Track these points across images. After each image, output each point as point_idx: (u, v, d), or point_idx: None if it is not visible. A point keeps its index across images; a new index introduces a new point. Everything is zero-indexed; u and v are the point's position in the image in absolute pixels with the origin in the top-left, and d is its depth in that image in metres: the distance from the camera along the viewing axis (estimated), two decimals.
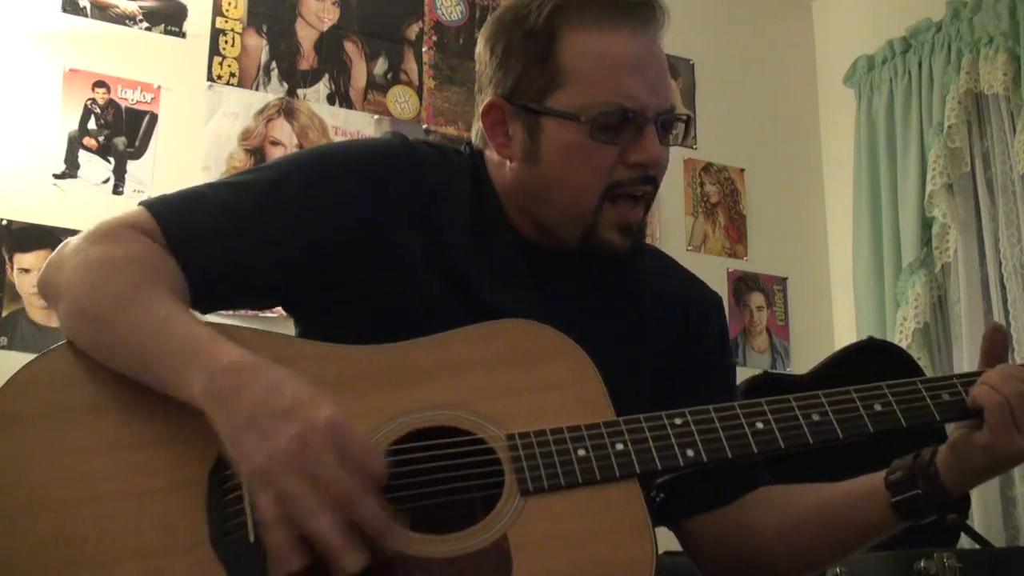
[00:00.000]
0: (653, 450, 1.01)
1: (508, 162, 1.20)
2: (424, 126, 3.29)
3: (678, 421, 1.04)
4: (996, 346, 1.14)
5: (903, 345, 3.22)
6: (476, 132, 1.25)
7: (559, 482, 0.97)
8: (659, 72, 1.17)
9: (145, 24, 2.97)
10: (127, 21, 2.95)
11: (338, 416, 0.87)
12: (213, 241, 1.09)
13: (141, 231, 1.07)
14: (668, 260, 1.37)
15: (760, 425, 1.05)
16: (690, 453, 1.02)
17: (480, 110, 1.21)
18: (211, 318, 1.07)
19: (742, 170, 3.81)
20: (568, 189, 1.16)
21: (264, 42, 3.14)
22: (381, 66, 3.30)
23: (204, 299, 1.10)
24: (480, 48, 1.23)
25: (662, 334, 1.26)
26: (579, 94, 1.14)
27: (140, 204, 1.11)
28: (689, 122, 1.22)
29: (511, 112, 1.18)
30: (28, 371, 1.00)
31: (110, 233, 1.06)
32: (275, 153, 3.02)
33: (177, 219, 1.09)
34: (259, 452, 0.87)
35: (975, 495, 3.08)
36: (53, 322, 2.64)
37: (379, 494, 0.89)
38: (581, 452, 0.99)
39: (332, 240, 1.12)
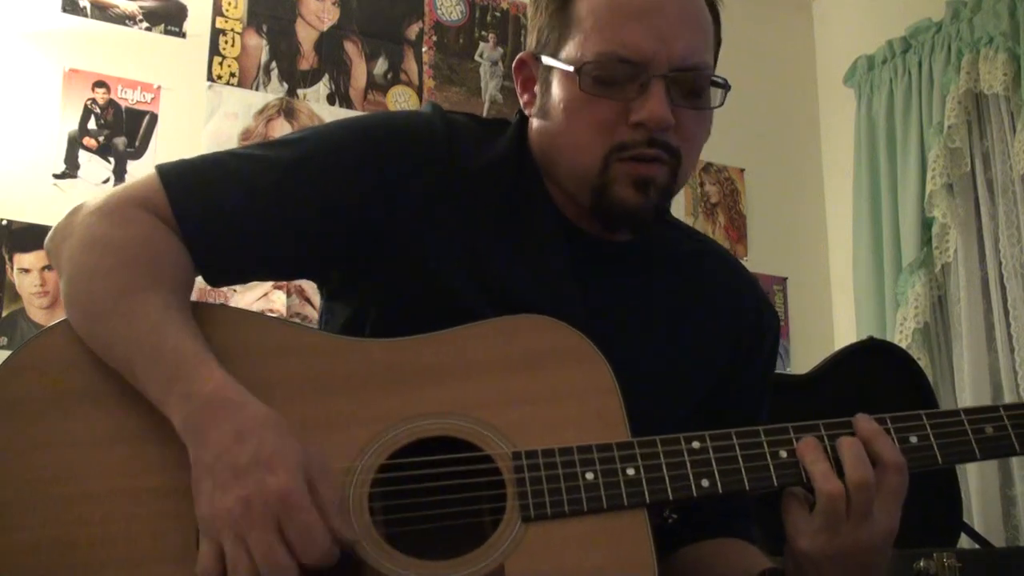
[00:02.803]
0: (666, 479, 0.95)
1: (534, 121, 1.13)
2: None
3: (696, 445, 0.97)
4: None
5: (903, 345, 3.22)
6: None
7: (563, 510, 0.93)
8: (678, 23, 1.05)
9: (145, 24, 2.97)
10: (127, 21, 2.95)
11: (289, 486, 0.84)
12: (222, 220, 1.04)
13: (151, 208, 1.03)
14: (732, 265, 1.27)
15: (784, 455, 0.97)
16: (705, 483, 0.96)
17: (512, 67, 1.16)
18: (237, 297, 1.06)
19: (742, 170, 3.81)
20: (569, 146, 1.08)
21: (264, 42, 3.13)
22: (381, 66, 3.29)
23: (214, 275, 1.08)
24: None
25: (709, 342, 1.18)
26: (582, 45, 1.06)
27: (156, 168, 1.06)
28: (723, 85, 1.08)
29: (535, 68, 1.13)
30: (26, 352, 0.98)
31: (118, 211, 1.02)
32: None
33: (189, 194, 1.04)
34: (209, 502, 0.85)
35: (975, 495, 3.08)
36: (53, 321, 2.64)
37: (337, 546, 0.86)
38: (589, 476, 0.94)
39: (350, 225, 1.07)
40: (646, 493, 0.95)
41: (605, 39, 1.04)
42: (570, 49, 1.07)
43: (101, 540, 0.89)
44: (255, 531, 0.83)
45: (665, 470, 0.96)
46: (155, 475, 0.92)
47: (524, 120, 1.18)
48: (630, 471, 0.95)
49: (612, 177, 1.06)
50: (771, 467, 0.97)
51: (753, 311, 1.23)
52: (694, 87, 1.07)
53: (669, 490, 0.95)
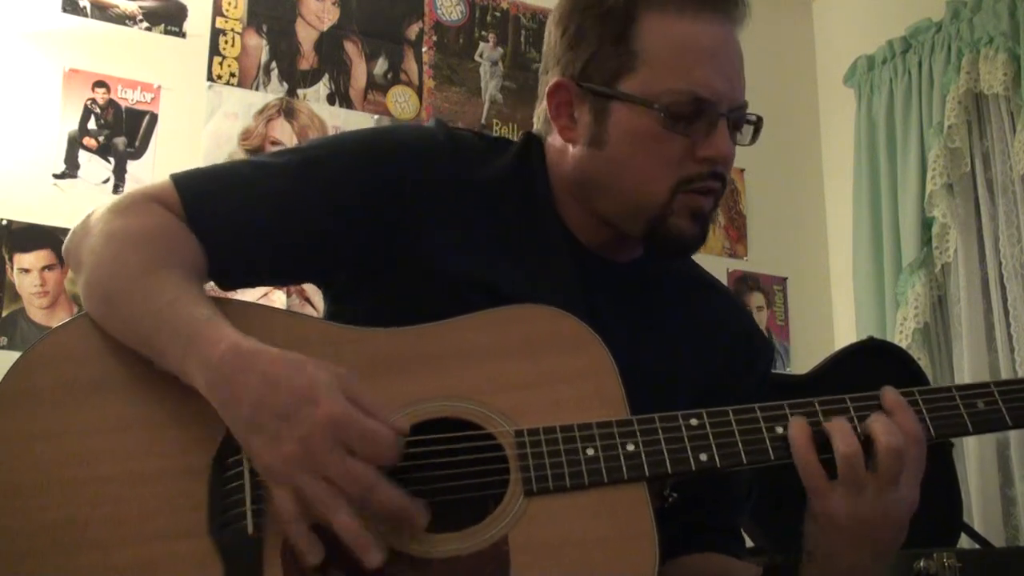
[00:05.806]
0: (665, 452, 0.98)
1: (570, 147, 1.15)
2: None
3: (694, 422, 1.00)
4: None
5: (903, 345, 3.22)
6: (538, 115, 1.21)
7: (564, 484, 0.95)
8: (735, 65, 1.12)
9: (145, 24, 2.97)
10: (127, 21, 2.95)
11: (336, 408, 0.87)
12: (234, 223, 1.08)
13: (165, 206, 1.07)
14: (727, 294, 1.33)
15: (780, 430, 1.00)
16: (703, 457, 0.98)
17: (545, 90, 1.17)
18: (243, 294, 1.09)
19: (742, 170, 3.81)
20: (635, 178, 1.11)
21: (264, 42, 3.13)
22: (381, 66, 3.30)
23: (224, 278, 1.11)
24: (550, 27, 1.18)
25: (701, 362, 1.20)
26: (652, 80, 1.09)
27: (171, 176, 1.10)
28: (760, 124, 1.16)
29: (578, 94, 1.14)
30: (42, 346, 1.01)
31: (134, 205, 1.07)
32: None
33: (201, 198, 1.08)
34: (269, 455, 0.88)
35: (975, 495, 3.08)
36: (53, 322, 2.64)
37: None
38: (590, 451, 0.97)
39: (357, 232, 1.11)
40: (645, 466, 0.97)
41: (682, 77, 1.08)
42: (636, 82, 1.10)
43: (114, 519, 0.92)
44: (327, 463, 0.86)
45: (664, 445, 0.98)
46: (166, 458, 0.95)
47: (530, 140, 1.21)
48: (630, 446, 0.98)
49: (674, 208, 1.11)
50: (767, 441, 0.99)
51: (744, 337, 1.27)
52: (739, 123, 1.14)
53: (668, 463, 0.98)
